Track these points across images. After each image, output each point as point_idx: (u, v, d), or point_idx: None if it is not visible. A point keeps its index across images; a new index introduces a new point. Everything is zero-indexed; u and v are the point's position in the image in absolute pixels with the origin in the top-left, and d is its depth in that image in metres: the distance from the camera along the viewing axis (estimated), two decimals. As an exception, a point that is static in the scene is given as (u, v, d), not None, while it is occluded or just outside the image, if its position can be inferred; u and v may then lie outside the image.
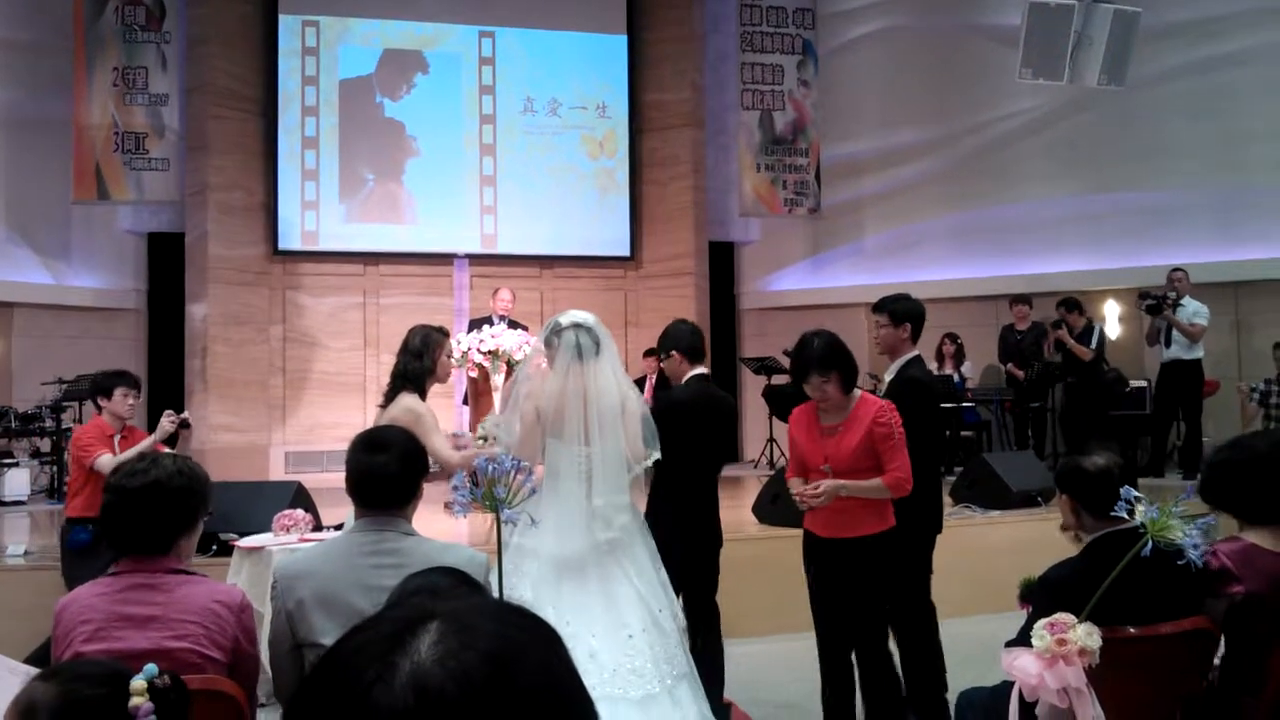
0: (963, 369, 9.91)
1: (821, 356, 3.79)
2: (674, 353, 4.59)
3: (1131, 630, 2.76)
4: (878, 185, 11.25)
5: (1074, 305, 9.15)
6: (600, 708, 2.87)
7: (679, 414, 4.40)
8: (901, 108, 11.10)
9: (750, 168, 11.12)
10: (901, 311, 4.55)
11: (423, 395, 4.27)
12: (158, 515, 2.44)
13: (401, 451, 2.65)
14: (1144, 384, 9.39)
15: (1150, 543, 2.57)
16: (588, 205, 10.88)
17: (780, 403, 9.05)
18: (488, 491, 2.27)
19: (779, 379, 9.75)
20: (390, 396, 4.26)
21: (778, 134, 11.28)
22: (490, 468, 2.29)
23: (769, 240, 11.77)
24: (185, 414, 5.51)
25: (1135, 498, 2.60)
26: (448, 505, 5.97)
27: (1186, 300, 8.66)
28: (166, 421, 5.29)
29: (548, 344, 3.98)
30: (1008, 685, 2.84)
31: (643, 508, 4.10)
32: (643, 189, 11.05)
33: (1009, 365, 9.66)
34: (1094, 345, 8.99)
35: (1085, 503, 2.91)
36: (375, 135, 10.44)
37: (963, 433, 9.66)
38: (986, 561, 5.91)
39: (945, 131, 10.92)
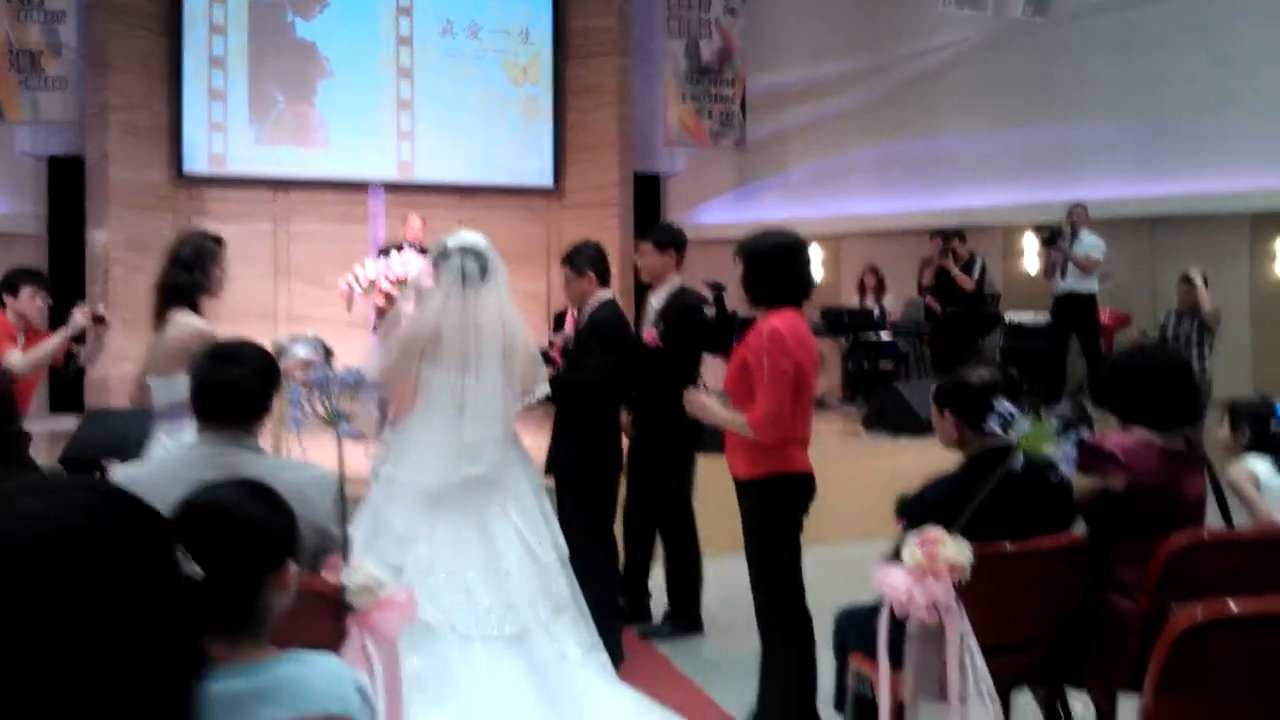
0: (884, 301, 9.91)
1: (743, 248, 3.53)
2: (589, 272, 4.47)
3: (1007, 546, 2.72)
4: (804, 117, 11.12)
5: (958, 235, 9.35)
6: (475, 647, 2.76)
7: (610, 334, 4.32)
8: (828, 38, 10.96)
9: (676, 97, 10.90)
10: (666, 239, 4.89)
11: (197, 312, 3.91)
12: None
13: (259, 367, 2.50)
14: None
15: (1022, 457, 2.51)
16: (510, 132, 10.58)
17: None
18: (328, 407, 2.13)
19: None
20: (160, 314, 3.90)
21: (704, 63, 11.06)
22: (325, 380, 2.15)
23: (694, 172, 11.61)
24: (101, 308, 4.87)
25: (1011, 413, 2.53)
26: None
27: (1083, 234, 8.87)
28: (79, 315, 4.75)
29: (434, 266, 3.83)
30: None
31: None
32: (567, 117, 10.77)
33: (927, 299, 9.68)
34: (976, 276, 9.21)
35: (968, 417, 2.84)
36: (286, 55, 10.02)
37: (881, 364, 9.69)
38: (893, 487, 5.89)
39: (872, 63, 10.80)
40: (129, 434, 5.20)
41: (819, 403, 9.98)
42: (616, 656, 4.13)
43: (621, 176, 10.63)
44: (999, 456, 2.60)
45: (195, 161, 9.90)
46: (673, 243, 4.92)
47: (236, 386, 2.43)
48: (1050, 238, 8.91)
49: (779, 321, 3.40)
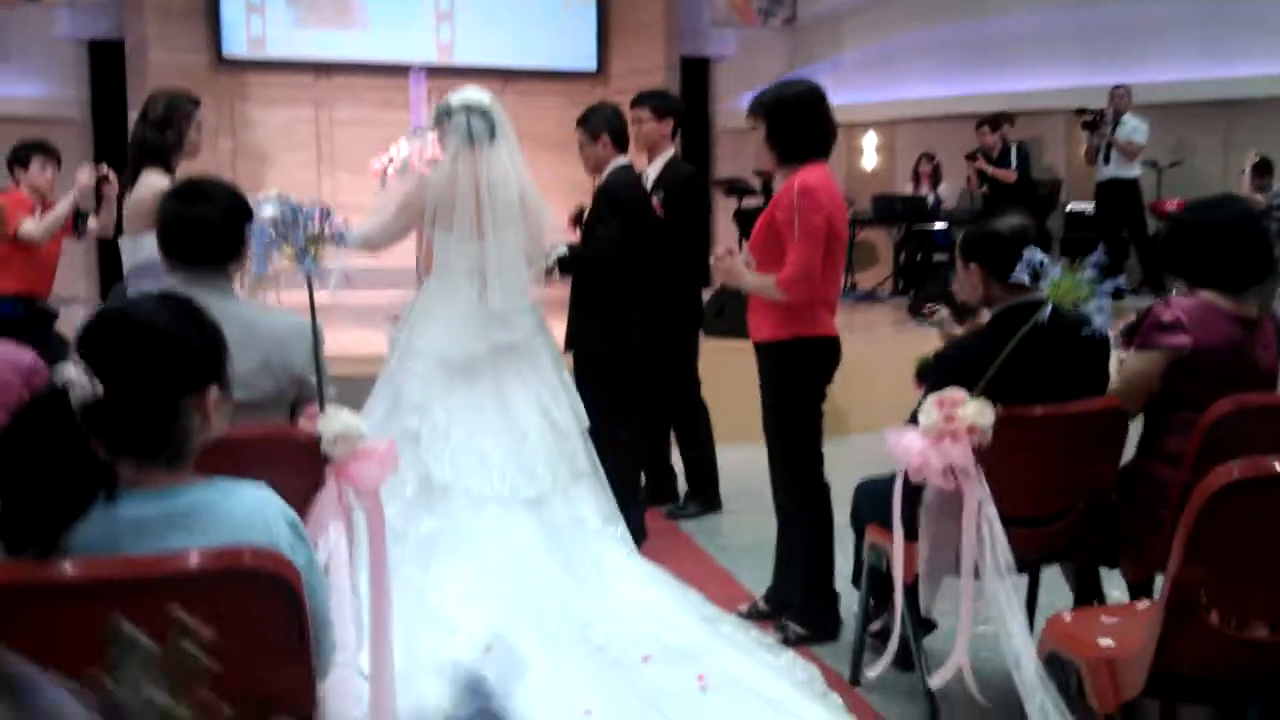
0: (939, 190, 9.55)
1: (761, 102, 3.26)
2: (604, 137, 4.26)
3: (1036, 410, 2.52)
4: (859, -5, 10.62)
5: (992, 122, 8.91)
6: (490, 509, 2.61)
7: (621, 201, 4.12)
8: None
9: (723, -27, 10.44)
10: (665, 106, 4.62)
11: (171, 173, 3.72)
12: None
13: (226, 204, 2.36)
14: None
15: (1051, 308, 2.30)
16: (552, 13, 10.25)
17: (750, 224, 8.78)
18: (292, 241, 1.98)
19: (751, 201, 9.40)
20: (133, 174, 3.72)
21: (754, -64, 10.58)
22: (291, 213, 2.00)
23: (744, 56, 11.17)
24: (104, 168, 4.67)
25: (1040, 261, 2.31)
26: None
27: (1126, 118, 8.53)
28: (83, 176, 4.58)
29: (437, 125, 3.66)
30: (902, 473, 2.63)
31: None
32: (610, -2, 10.42)
33: (983, 188, 9.29)
34: (1014, 165, 8.81)
35: (995, 269, 2.60)
36: (323, -69, 9.77)
37: (935, 256, 9.37)
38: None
39: (931, -63, 10.22)
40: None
41: (869, 295, 9.75)
42: (639, 534, 4.04)
43: (667, 60, 10.26)
44: (1028, 312, 2.38)
45: (234, 44, 9.76)
46: (671, 110, 4.65)
47: (204, 223, 2.30)
48: (1092, 122, 8.57)
49: (809, 176, 3.18)
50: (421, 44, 9.98)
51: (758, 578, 3.73)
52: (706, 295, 5.19)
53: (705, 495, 4.81)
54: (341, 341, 5.91)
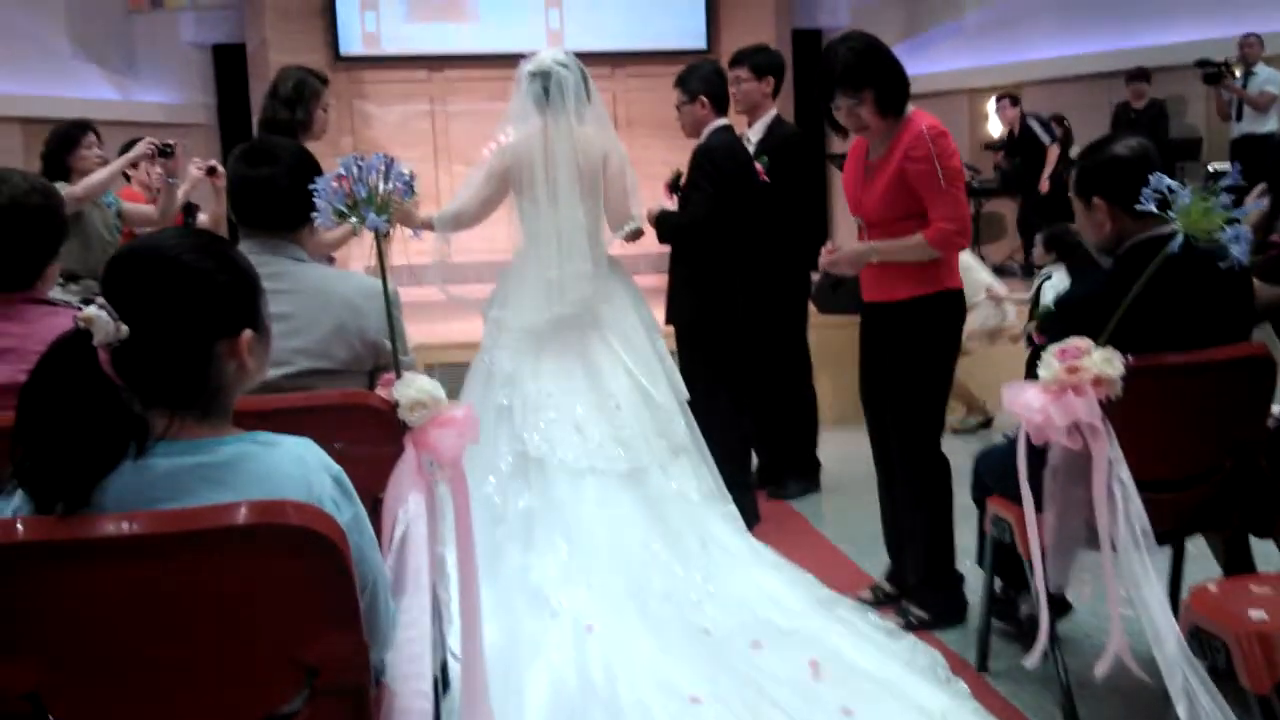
0: (1070, 154, 9.05)
1: (848, 68, 2.98)
2: (702, 97, 4.10)
3: (1171, 358, 2.27)
4: (978, -47, 10.15)
5: (1138, 76, 8.51)
6: (587, 480, 2.49)
7: (718, 164, 3.96)
8: None
9: (836, -64, 10.11)
10: (765, 64, 4.37)
11: None
12: (17, 241, 2.15)
13: (292, 164, 2.29)
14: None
15: (1181, 238, 2.05)
16: (660, -9, 10.14)
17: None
18: (354, 194, 1.89)
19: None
20: None
21: (867, -103, 10.22)
22: (354, 167, 1.92)
23: (860, 25, 10.79)
24: (171, 141, 4.41)
25: (1169, 187, 2.05)
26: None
27: (1259, 68, 7.95)
28: (192, 168, 4.37)
29: (516, 93, 3.60)
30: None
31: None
32: (718, -30, 10.23)
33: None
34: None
35: (1122, 199, 2.30)
36: (432, -77, 9.86)
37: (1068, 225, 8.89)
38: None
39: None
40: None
41: (998, 268, 9.32)
42: (750, 515, 3.88)
43: (779, 33, 10.01)
44: (1160, 246, 2.13)
45: (350, 42, 9.93)
46: (772, 69, 4.40)
47: (268, 183, 2.24)
48: (1216, 74, 7.97)
49: (929, 120, 2.98)
50: (531, 32, 9.94)
51: (878, 562, 3.53)
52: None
53: (807, 475, 4.62)
54: (453, 330, 5.92)
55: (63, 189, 4.34)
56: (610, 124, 3.60)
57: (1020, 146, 9.08)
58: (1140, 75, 8.73)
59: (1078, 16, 9.54)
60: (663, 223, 3.97)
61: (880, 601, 3.29)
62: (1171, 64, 8.83)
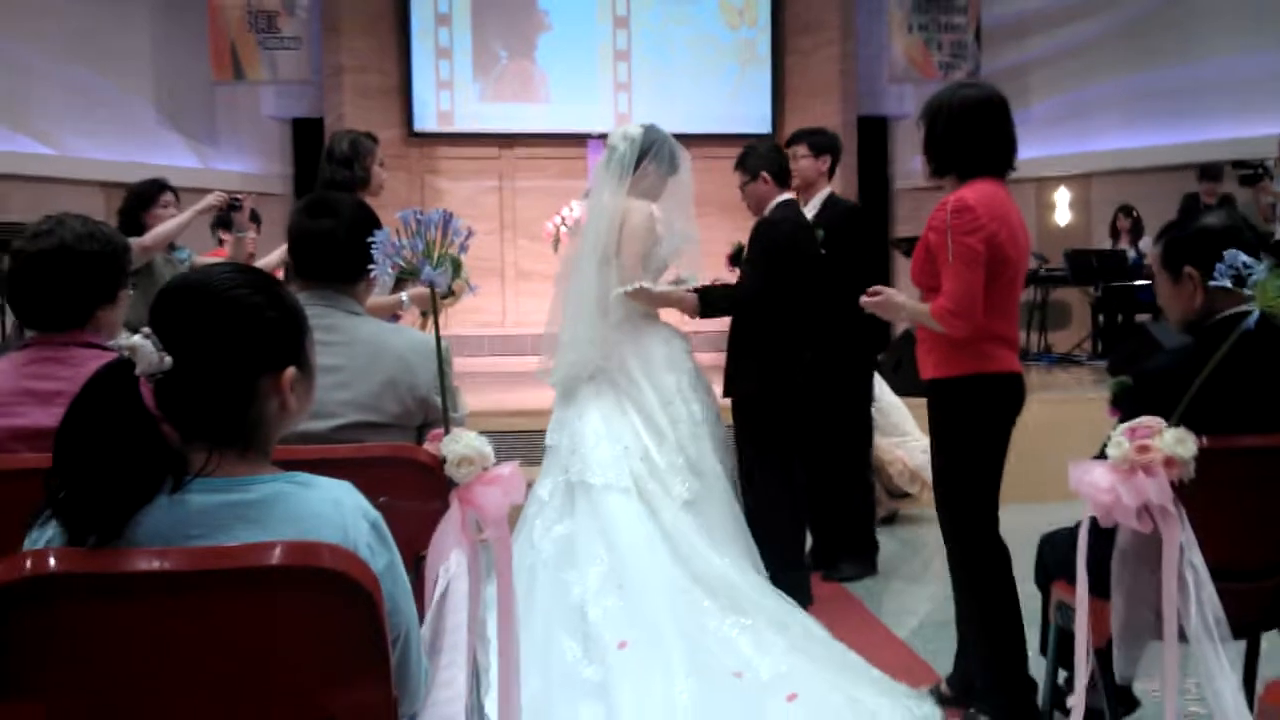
0: (1140, 245, 8.94)
1: (925, 105, 2.99)
2: (764, 174, 4.12)
3: (1248, 440, 2.17)
4: (1046, 46, 10.16)
5: (1210, 171, 8.17)
6: (621, 498, 2.45)
7: (774, 239, 3.98)
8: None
9: (901, 28, 10.17)
10: (822, 143, 4.49)
11: None
12: (66, 283, 2.18)
13: (351, 219, 2.31)
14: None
15: (1257, 314, 1.97)
16: (727, 80, 10.29)
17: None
18: (413, 249, 1.89)
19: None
20: None
21: (933, -11, 10.31)
22: (410, 219, 1.92)
23: (926, 113, 10.88)
24: (240, 195, 4.59)
25: (1245, 263, 1.98)
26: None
27: None
28: (214, 197, 4.52)
29: None
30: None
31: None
32: (785, 60, 10.35)
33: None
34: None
35: (1212, 273, 2.18)
36: (507, 10, 10.13)
37: (1137, 316, 8.73)
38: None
39: (1120, -15, 9.74)
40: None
41: (1066, 357, 9.16)
42: (803, 597, 3.77)
43: (844, 120, 10.08)
44: (1239, 323, 2.05)
45: (425, 120, 10.20)
46: (830, 149, 4.54)
47: (327, 237, 2.25)
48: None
49: (969, 192, 2.84)
50: (601, 113, 10.16)
51: (940, 650, 3.37)
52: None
53: (863, 557, 4.49)
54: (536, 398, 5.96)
55: (132, 241, 4.45)
56: (622, 193, 3.67)
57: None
58: (1213, 174, 8.52)
59: (1146, 109, 9.50)
60: (719, 296, 3.96)
61: (942, 703, 3.11)
62: (1246, 157, 8.71)
